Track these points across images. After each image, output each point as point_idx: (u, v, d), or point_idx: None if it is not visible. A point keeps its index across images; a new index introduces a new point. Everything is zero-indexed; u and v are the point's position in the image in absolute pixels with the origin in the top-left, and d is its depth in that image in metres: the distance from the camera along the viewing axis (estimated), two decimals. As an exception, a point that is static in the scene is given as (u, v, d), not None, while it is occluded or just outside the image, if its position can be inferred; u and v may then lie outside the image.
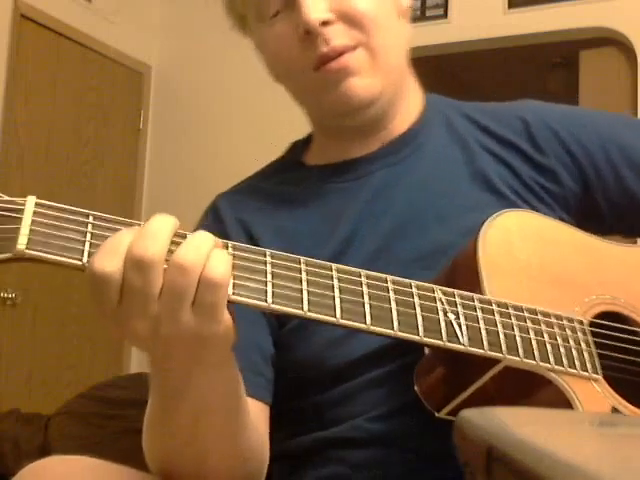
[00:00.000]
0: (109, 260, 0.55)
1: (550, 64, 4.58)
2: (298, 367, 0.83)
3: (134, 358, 3.69)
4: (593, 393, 0.71)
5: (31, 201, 0.57)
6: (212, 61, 3.78)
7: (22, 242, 0.55)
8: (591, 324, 0.75)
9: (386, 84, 0.87)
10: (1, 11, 3.06)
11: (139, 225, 0.58)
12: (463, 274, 0.75)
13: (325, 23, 0.83)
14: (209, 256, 0.57)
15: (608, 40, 3.26)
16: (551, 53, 4.30)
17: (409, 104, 0.94)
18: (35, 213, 0.56)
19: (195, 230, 0.89)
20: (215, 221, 0.92)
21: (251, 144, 3.52)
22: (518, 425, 0.38)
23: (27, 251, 0.55)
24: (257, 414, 0.77)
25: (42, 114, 3.30)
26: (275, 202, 0.92)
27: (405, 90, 0.93)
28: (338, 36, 0.84)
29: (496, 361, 0.67)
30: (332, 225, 0.88)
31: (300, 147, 1.00)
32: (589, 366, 0.72)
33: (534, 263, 0.77)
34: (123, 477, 0.71)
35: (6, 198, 0.57)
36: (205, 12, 3.85)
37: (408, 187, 0.89)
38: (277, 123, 3.55)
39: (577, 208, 0.91)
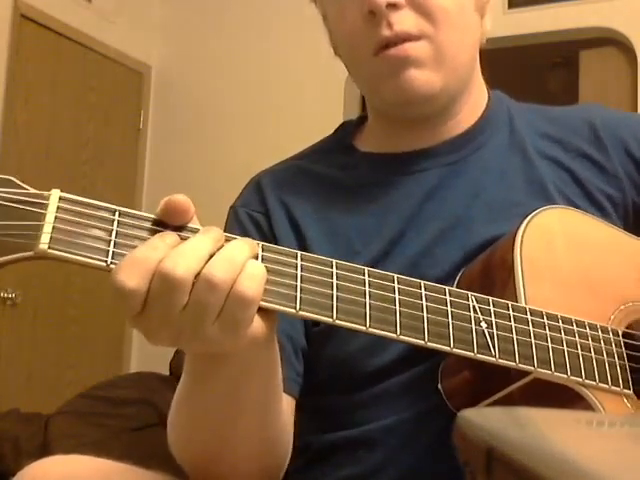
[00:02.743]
0: (133, 275, 0.51)
1: (550, 64, 4.58)
2: (330, 367, 0.82)
3: (134, 358, 3.69)
4: (623, 409, 0.69)
5: (55, 195, 0.54)
6: (212, 61, 3.78)
7: (44, 241, 0.52)
8: (625, 334, 0.74)
9: (449, 81, 0.82)
10: (1, 11, 3.06)
11: (163, 229, 0.55)
12: (499, 272, 0.73)
13: (392, 5, 0.78)
14: (242, 269, 0.53)
15: (608, 40, 3.26)
16: (551, 53, 4.30)
17: (474, 101, 0.89)
18: (59, 209, 0.53)
19: (233, 205, 0.90)
20: (257, 199, 0.88)
21: (250, 144, 3.52)
22: (518, 425, 0.38)
23: (49, 251, 0.52)
24: (284, 407, 0.75)
25: (42, 114, 3.30)
26: (322, 188, 0.88)
27: (471, 87, 0.88)
28: (403, 22, 0.79)
29: (526, 372, 0.66)
30: (380, 221, 0.84)
31: (351, 128, 0.95)
32: (620, 381, 0.70)
33: (572, 266, 0.75)
34: (123, 475, 0.71)
35: (32, 191, 0.54)
36: (205, 12, 3.85)
37: (462, 190, 0.85)
38: (276, 123, 3.56)
39: (635, 218, 0.87)
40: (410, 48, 0.79)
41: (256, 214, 0.87)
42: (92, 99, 3.55)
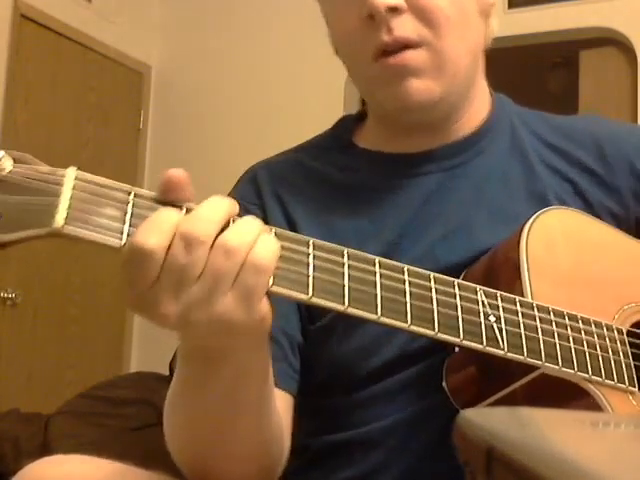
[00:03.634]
0: (153, 235, 0.51)
1: (550, 64, 4.58)
2: (328, 367, 0.82)
3: (134, 358, 3.69)
4: (629, 406, 0.70)
5: (71, 173, 0.54)
6: (212, 61, 3.78)
7: (61, 218, 0.52)
8: (629, 333, 0.74)
9: (449, 88, 0.81)
10: (1, 11, 3.06)
11: (180, 207, 0.55)
12: (503, 271, 0.74)
13: (393, 9, 0.76)
14: (256, 240, 0.54)
15: (608, 40, 3.26)
16: (551, 53, 4.30)
17: (477, 106, 0.88)
18: (75, 187, 0.53)
19: (229, 196, 0.88)
20: (252, 191, 0.87)
21: (250, 144, 3.52)
22: (518, 425, 0.38)
23: (65, 227, 0.52)
24: (280, 405, 0.75)
25: (42, 114, 3.30)
26: (318, 185, 0.87)
27: (474, 91, 0.87)
28: (403, 27, 0.77)
29: (533, 367, 0.66)
30: (379, 225, 0.83)
31: (351, 124, 0.93)
32: (626, 378, 0.71)
33: (576, 265, 0.75)
34: (123, 476, 0.71)
35: (47, 168, 0.54)
36: (205, 12, 3.85)
37: (462, 195, 0.84)
38: (277, 123, 3.56)
39: (639, 235, 0.86)
40: (409, 57, 0.77)
41: (252, 207, 0.86)
42: (92, 99, 3.55)
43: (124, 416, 2.51)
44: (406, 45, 0.78)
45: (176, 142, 3.80)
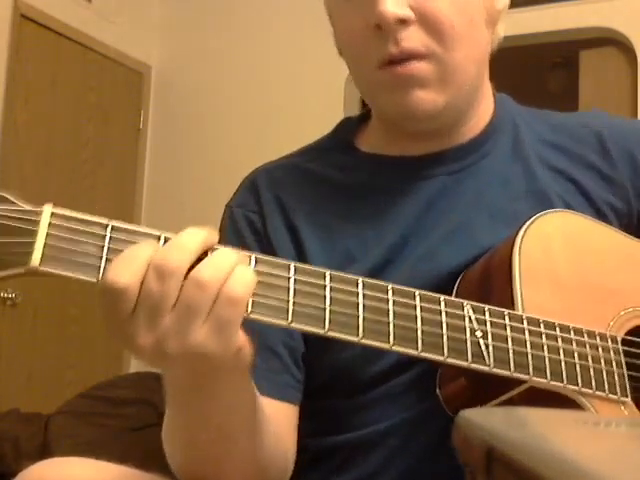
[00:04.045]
0: (125, 272, 0.52)
1: (550, 64, 4.58)
2: (330, 371, 0.82)
3: (134, 358, 3.69)
4: (620, 416, 0.69)
5: (47, 211, 0.54)
6: (212, 61, 3.78)
7: (36, 258, 0.53)
8: (624, 341, 0.74)
9: (454, 98, 0.80)
10: (1, 11, 3.06)
11: (158, 237, 0.55)
12: (497, 276, 0.73)
13: (401, 21, 0.75)
14: (231, 273, 0.54)
15: (608, 40, 3.26)
16: (551, 53, 4.30)
17: (482, 111, 0.88)
18: (51, 225, 0.54)
19: (229, 204, 0.89)
20: (251, 198, 0.87)
21: (251, 144, 3.52)
22: (518, 425, 0.38)
23: (40, 268, 0.53)
24: (280, 417, 0.75)
25: (42, 114, 3.29)
26: (319, 189, 0.86)
27: (480, 98, 0.87)
28: (410, 39, 0.76)
29: (522, 380, 0.66)
30: (381, 229, 0.82)
31: (353, 126, 0.92)
32: (618, 388, 0.70)
33: (572, 271, 0.74)
34: (123, 477, 0.71)
35: (24, 208, 0.54)
36: (205, 12, 3.85)
37: (465, 199, 0.83)
38: (276, 123, 3.56)
39: (639, 230, 0.86)
40: (415, 68, 0.77)
41: (252, 215, 0.85)
42: (92, 99, 3.55)
43: (124, 416, 2.51)
44: (412, 56, 0.77)
45: (176, 142, 3.80)
